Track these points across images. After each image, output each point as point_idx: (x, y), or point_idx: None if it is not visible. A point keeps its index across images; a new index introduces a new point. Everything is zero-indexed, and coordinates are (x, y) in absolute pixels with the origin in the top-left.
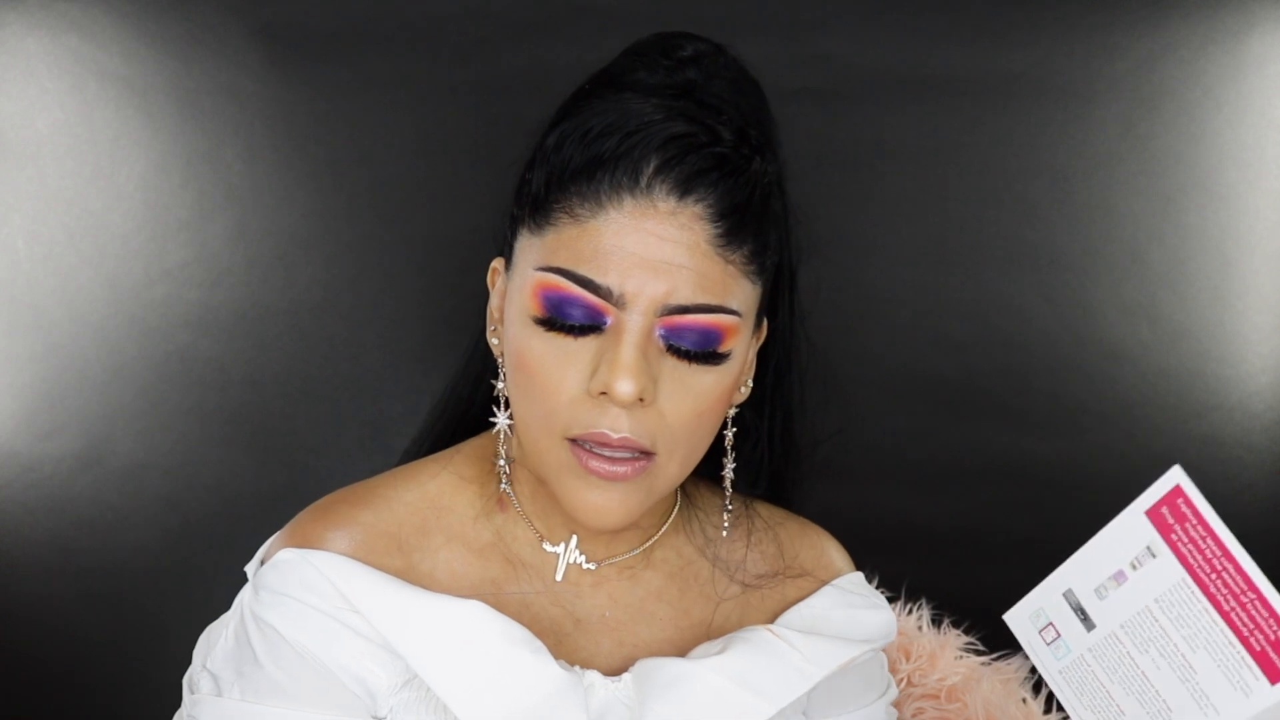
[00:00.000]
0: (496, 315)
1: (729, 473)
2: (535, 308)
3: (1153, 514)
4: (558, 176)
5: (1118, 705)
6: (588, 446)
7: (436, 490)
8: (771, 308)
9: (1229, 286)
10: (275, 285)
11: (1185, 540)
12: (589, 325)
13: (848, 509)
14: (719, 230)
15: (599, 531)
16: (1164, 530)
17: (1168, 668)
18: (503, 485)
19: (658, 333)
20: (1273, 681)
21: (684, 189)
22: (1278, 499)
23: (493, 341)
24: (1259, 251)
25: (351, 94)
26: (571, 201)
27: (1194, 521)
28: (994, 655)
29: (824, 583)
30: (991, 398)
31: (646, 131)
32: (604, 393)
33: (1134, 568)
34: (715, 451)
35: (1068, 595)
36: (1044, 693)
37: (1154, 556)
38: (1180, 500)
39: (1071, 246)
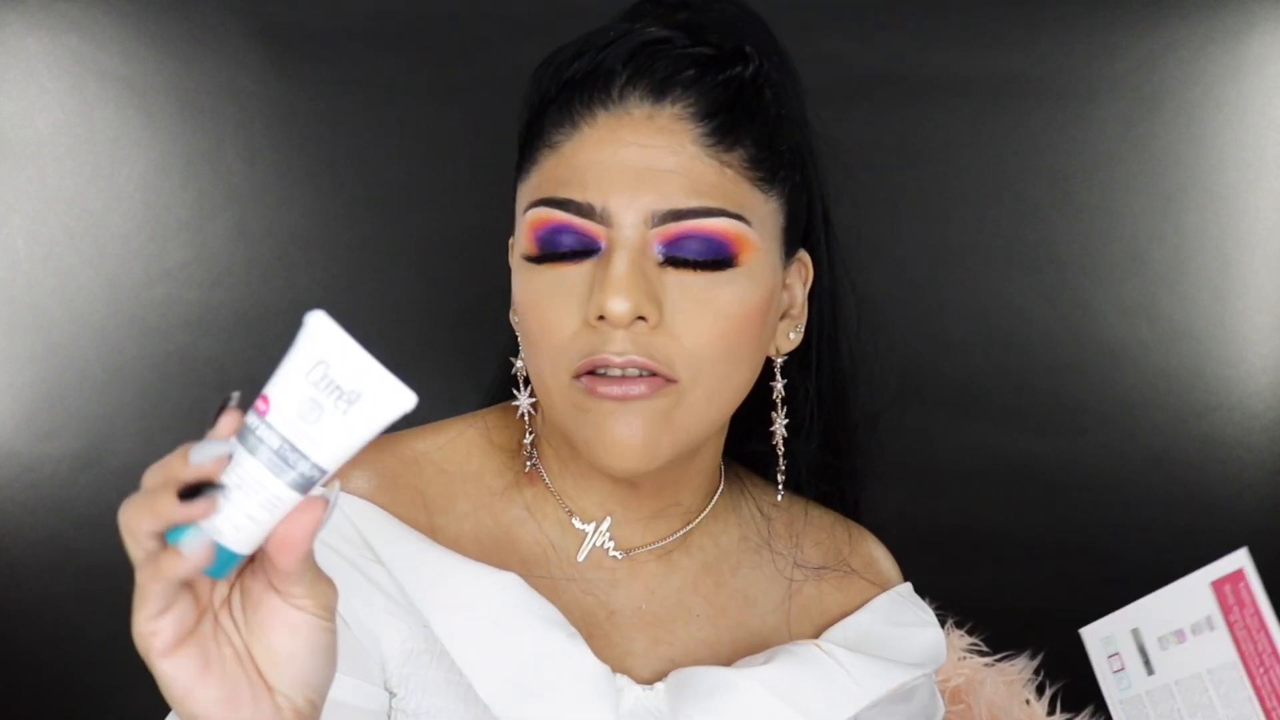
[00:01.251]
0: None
1: (780, 429)
2: (529, 246)
3: (1217, 587)
4: (535, 112)
5: None
6: (597, 375)
7: (465, 452)
8: (812, 248)
9: (1229, 286)
10: (275, 285)
11: (1241, 626)
12: (581, 250)
13: (873, 511)
14: (705, 129)
15: (624, 473)
16: (1225, 608)
17: None
18: (530, 462)
19: (655, 248)
20: None
21: (659, 93)
22: (1278, 499)
23: (513, 319)
24: (1259, 251)
25: (351, 94)
26: (549, 132)
27: (1251, 610)
28: (997, 656)
29: (876, 589)
30: (991, 398)
31: (617, 45)
32: (602, 317)
33: (1194, 632)
34: (762, 425)
35: (1135, 634)
36: (1047, 694)
37: (1212, 629)
38: (1241, 585)
39: (1071, 246)
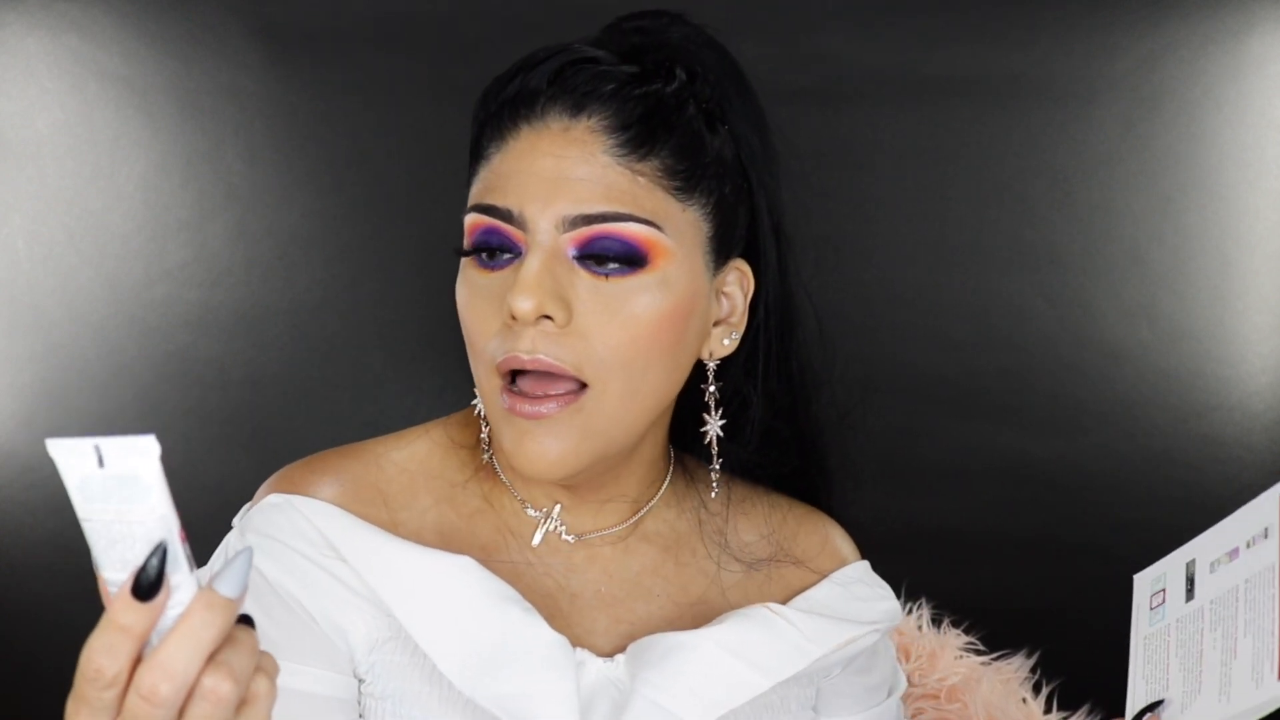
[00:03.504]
0: None
1: (714, 428)
2: (463, 251)
3: None
4: (476, 132)
5: (1167, 680)
6: (515, 389)
7: (426, 451)
8: (755, 261)
9: (1229, 286)
10: (275, 285)
11: None
12: (503, 252)
13: (847, 508)
14: (617, 141)
15: (545, 481)
16: None
17: (1220, 650)
18: (486, 454)
19: (569, 251)
20: None
21: (576, 108)
22: None
23: None
24: (1259, 251)
25: (351, 94)
26: (484, 147)
27: None
28: (994, 655)
29: (827, 573)
30: (991, 398)
31: (546, 64)
32: (515, 316)
33: (1248, 546)
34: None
35: (1189, 565)
36: (1044, 693)
37: (1266, 538)
38: None
39: (1071, 246)
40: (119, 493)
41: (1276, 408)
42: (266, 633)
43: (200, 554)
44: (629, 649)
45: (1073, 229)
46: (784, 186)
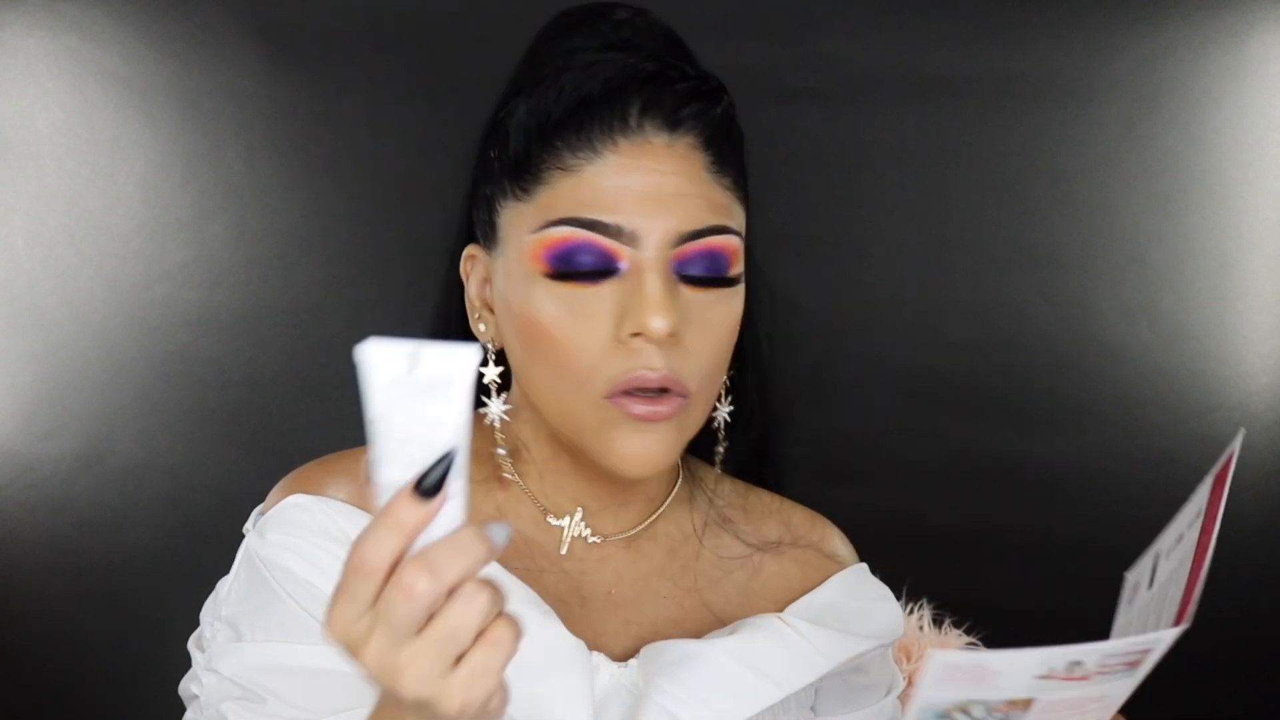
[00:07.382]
0: (478, 302)
1: (722, 413)
2: (544, 267)
3: (1217, 477)
4: (539, 133)
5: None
6: (630, 393)
7: None
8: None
9: (1229, 286)
10: (275, 285)
11: (1217, 501)
12: (602, 270)
13: (847, 508)
14: (710, 157)
15: (639, 479)
16: (1214, 499)
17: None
18: (505, 473)
19: (673, 267)
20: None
21: (673, 123)
22: (1278, 499)
23: (479, 328)
24: (1259, 251)
25: (351, 94)
26: (561, 155)
27: (1224, 480)
28: None
29: (835, 567)
30: (991, 398)
31: (624, 74)
32: (636, 334)
33: (1189, 528)
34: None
35: (1156, 556)
36: None
37: (1199, 517)
38: (1229, 468)
39: (1071, 246)
40: (426, 395)
41: (1276, 408)
42: (303, 622)
43: (202, 552)
44: (642, 654)
45: (1073, 229)
46: (781, 186)
